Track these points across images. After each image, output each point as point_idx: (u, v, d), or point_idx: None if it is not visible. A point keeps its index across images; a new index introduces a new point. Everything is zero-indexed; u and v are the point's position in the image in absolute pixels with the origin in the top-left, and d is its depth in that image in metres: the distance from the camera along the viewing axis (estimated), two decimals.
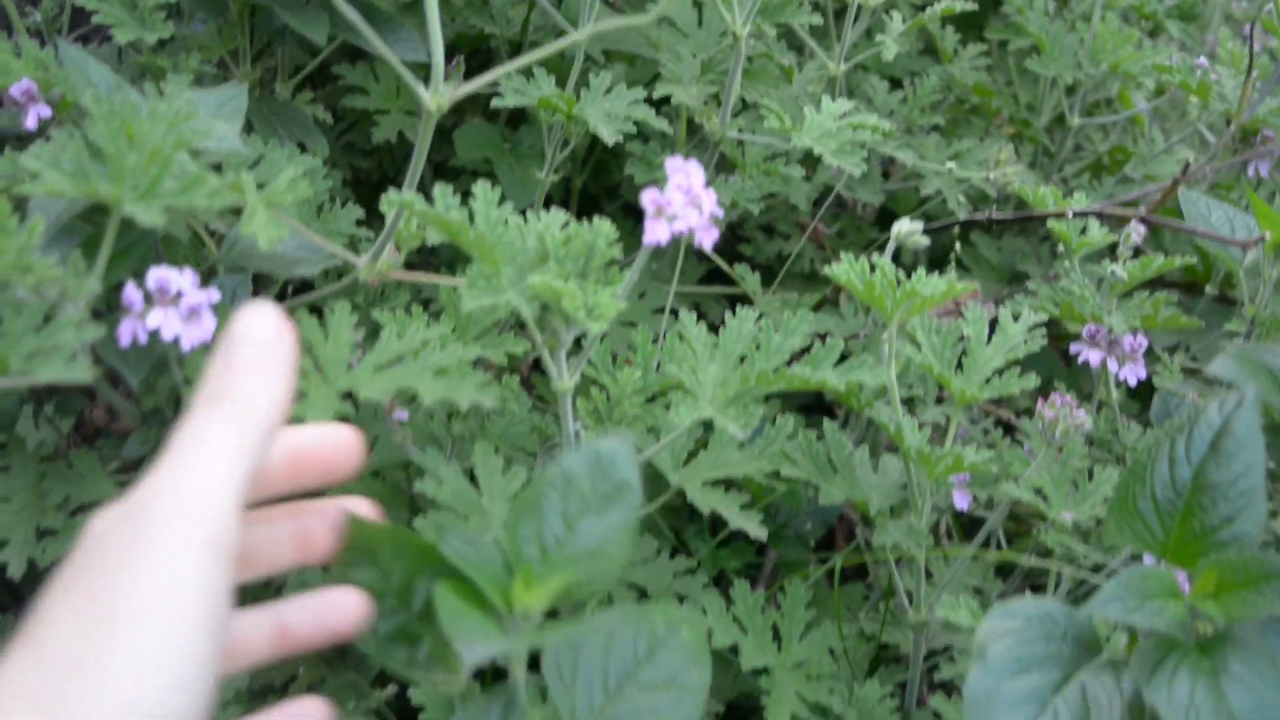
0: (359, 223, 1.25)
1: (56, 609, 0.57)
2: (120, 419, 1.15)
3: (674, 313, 1.39)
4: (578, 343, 1.01)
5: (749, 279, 1.49)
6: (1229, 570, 0.85)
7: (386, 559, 0.79)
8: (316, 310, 1.12)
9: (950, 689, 1.19)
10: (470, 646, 0.72)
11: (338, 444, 0.75)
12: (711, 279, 1.64)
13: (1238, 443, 0.87)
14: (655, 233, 0.88)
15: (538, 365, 1.54)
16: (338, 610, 0.75)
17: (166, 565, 0.57)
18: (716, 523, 1.52)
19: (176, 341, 0.96)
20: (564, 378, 0.99)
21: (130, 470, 1.14)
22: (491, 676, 1.18)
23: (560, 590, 0.77)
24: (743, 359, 1.03)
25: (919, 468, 1.08)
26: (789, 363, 1.03)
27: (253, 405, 0.64)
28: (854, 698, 1.09)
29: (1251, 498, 0.86)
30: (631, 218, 1.67)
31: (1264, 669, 0.83)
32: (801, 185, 1.52)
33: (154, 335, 0.96)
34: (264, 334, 0.66)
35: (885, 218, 1.74)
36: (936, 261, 1.66)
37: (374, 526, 0.78)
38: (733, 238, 1.72)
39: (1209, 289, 1.52)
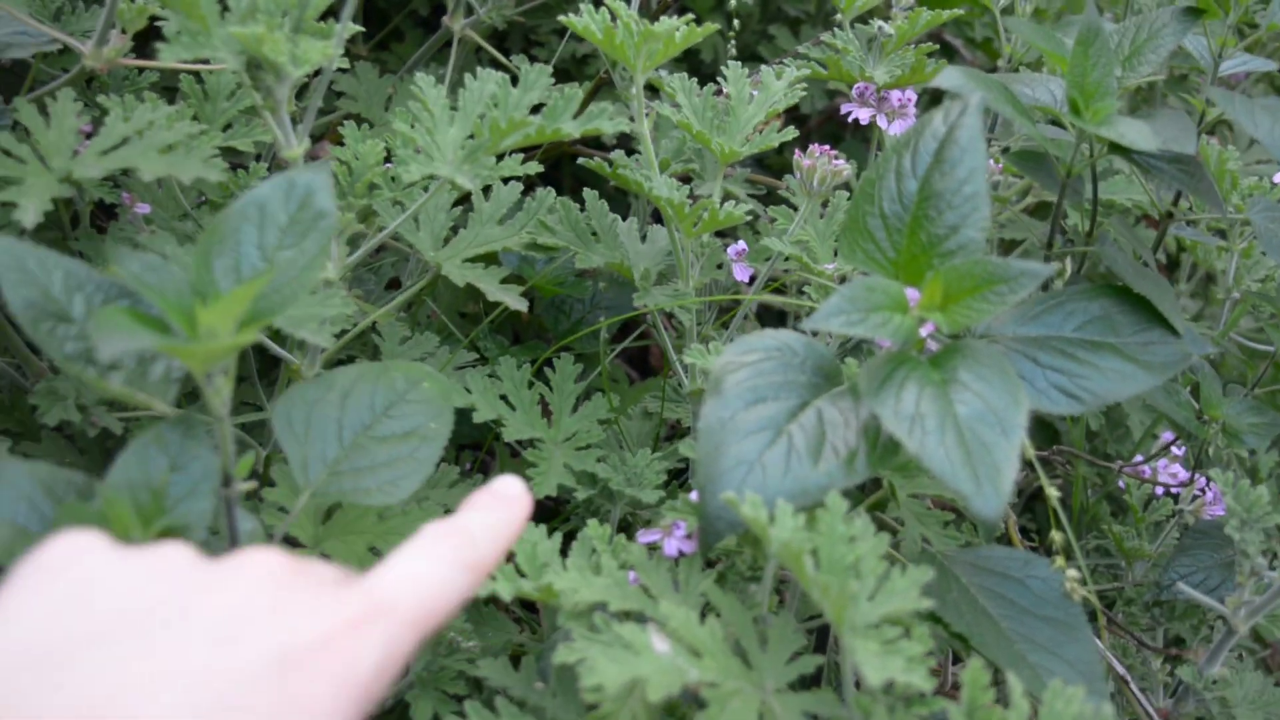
0: None
1: None
2: None
3: None
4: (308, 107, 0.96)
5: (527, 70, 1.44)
6: (954, 278, 0.83)
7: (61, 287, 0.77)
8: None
9: None
10: (108, 339, 0.68)
11: None
12: None
13: (961, 149, 0.85)
14: None
15: None
16: None
17: None
18: (518, 330, 1.50)
19: None
20: (291, 144, 0.95)
21: None
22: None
23: (247, 308, 0.74)
24: (483, 118, 1.00)
25: (679, 226, 1.06)
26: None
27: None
28: (624, 465, 1.06)
29: (975, 203, 0.84)
30: None
31: (991, 376, 0.81)
32: None
33: None
34: (510, 491, 0.77)
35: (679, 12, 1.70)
36: (742, 59, 1.63)
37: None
38: (528, 43, 1.67)
39: (1001, 63, 1.50)
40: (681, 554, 0.91)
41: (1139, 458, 1.18)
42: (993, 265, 0.82)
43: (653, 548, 0.92)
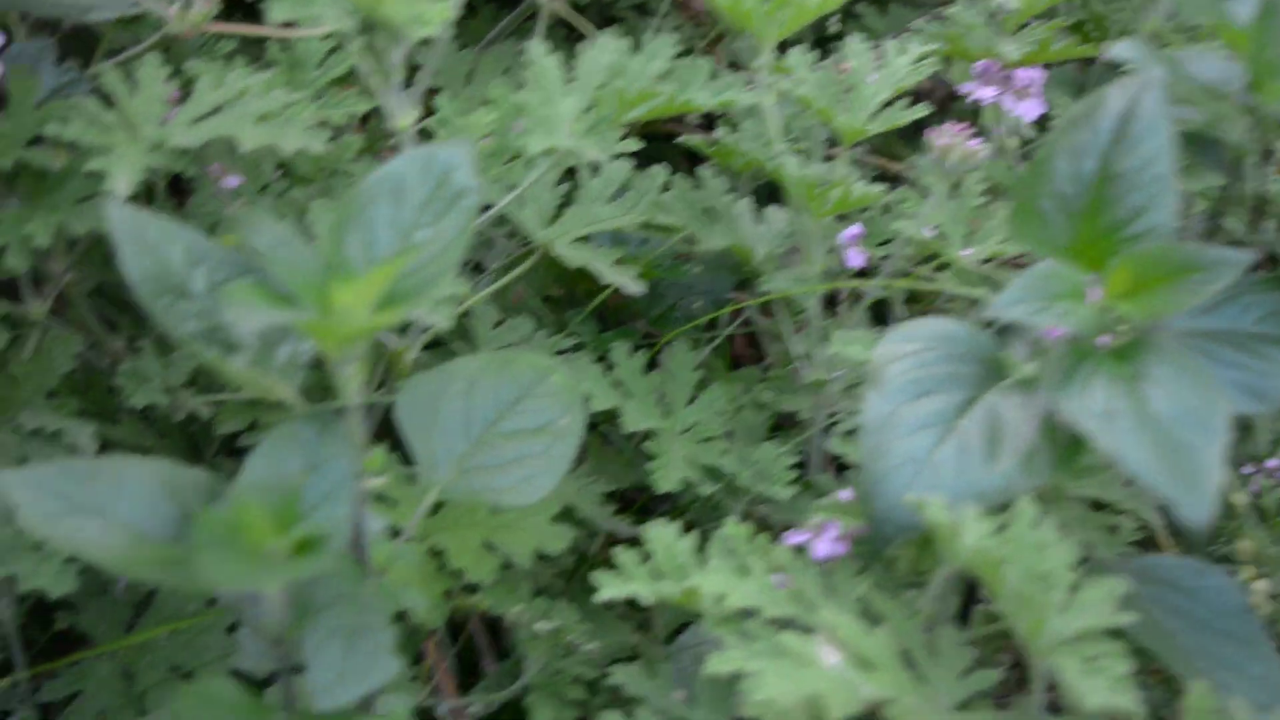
0: None
1: None
2: None
3: None
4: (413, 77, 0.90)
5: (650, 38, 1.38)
6: (1144, 265, 0.77)
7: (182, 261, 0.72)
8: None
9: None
10: (244, 315, 0.64)
11: None
12: None
13: (1144, 126, 0.79)
14: None
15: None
16: None
17: None
18: (605, 315, 1.43)
19: None
20: (401, 114, 0.88)
21: None
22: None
23: (385, 289, 0.68)
24: (603, 88, 0.93)
25: (804, 205, 1.00)
26: None
27: None
28: (749, 459, 1.01)
29: (1163, 185, 0.78)
30: None
31: (1184, 372, 0.76)
32: None
33: None
34: None
35: None
36: (822, 41, 1.57)
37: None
38: (603, 20, 1.61)
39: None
40: (832, 557, 0.85)
41: (1274, 461, 1.12)
42: (1187, 252, 0.76)
43: (798, 550, 0.86)
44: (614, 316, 1.40)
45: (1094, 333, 0.77)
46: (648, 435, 1.02)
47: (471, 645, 1.14)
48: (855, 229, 1.10)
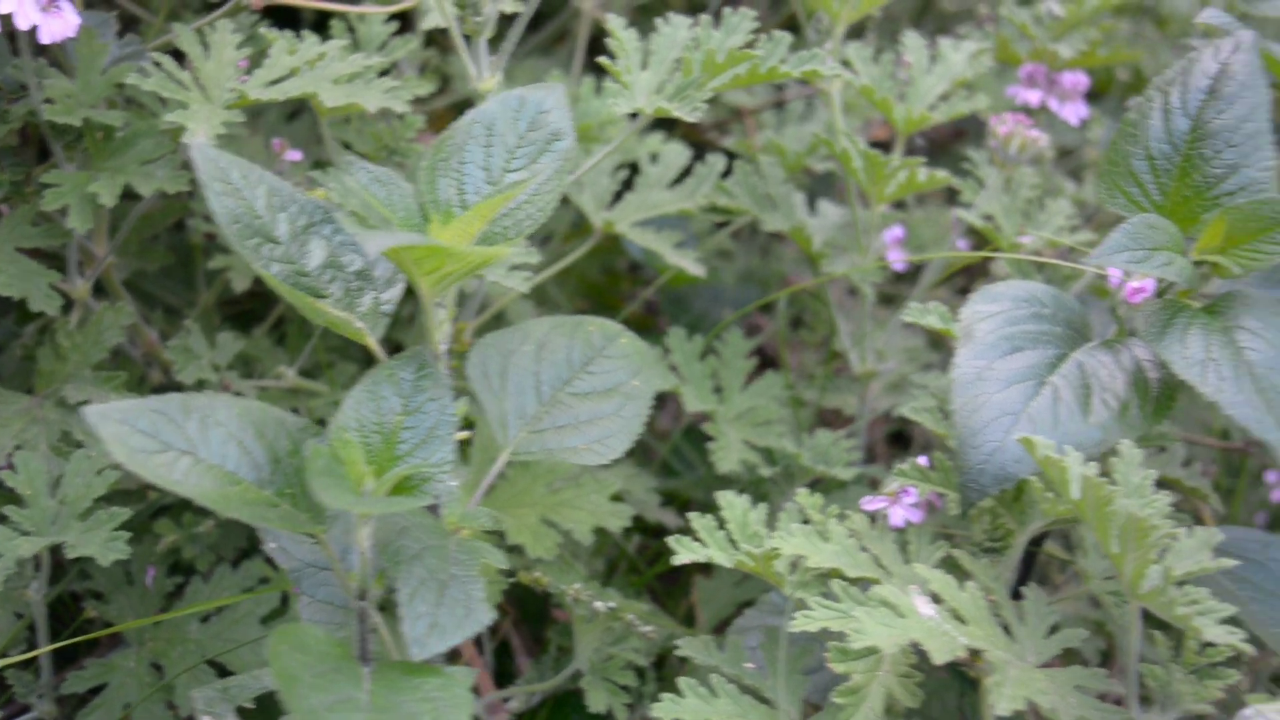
0: None
1: None
2: None
3: None
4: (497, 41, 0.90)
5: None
6: (1240, 219, 0.77)
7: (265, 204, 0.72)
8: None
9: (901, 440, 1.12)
10: (371, 238, 0.65)
11: None
12: None
13: (1239, 84, 0.79)
14: None
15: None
16: None
17: None
18: (630, 323, 1.42)
19: (33, 35, 0.84)
20: (484, 76, 0.88)
21: None
22: None
23: (484, 226, 0.69)
24: (679, 62, 0.93)
25: (869, 187, 0.99)
26: None
27: None
28: (807, 442, 0.99)
29: (1258, 142, 0.78)
30: None
31: (1274, 322, 0.76)
32: None
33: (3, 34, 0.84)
34: None
35: None
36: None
37: None
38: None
39: None
40: (909, 523, 0.84)
41: None
42: None
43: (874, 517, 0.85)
44: (639, 325, 1.39)
45: (1189, 285, 0.77)
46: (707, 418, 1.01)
47: (506, 646, 1.12)
48: (898, 230, 1.11)
